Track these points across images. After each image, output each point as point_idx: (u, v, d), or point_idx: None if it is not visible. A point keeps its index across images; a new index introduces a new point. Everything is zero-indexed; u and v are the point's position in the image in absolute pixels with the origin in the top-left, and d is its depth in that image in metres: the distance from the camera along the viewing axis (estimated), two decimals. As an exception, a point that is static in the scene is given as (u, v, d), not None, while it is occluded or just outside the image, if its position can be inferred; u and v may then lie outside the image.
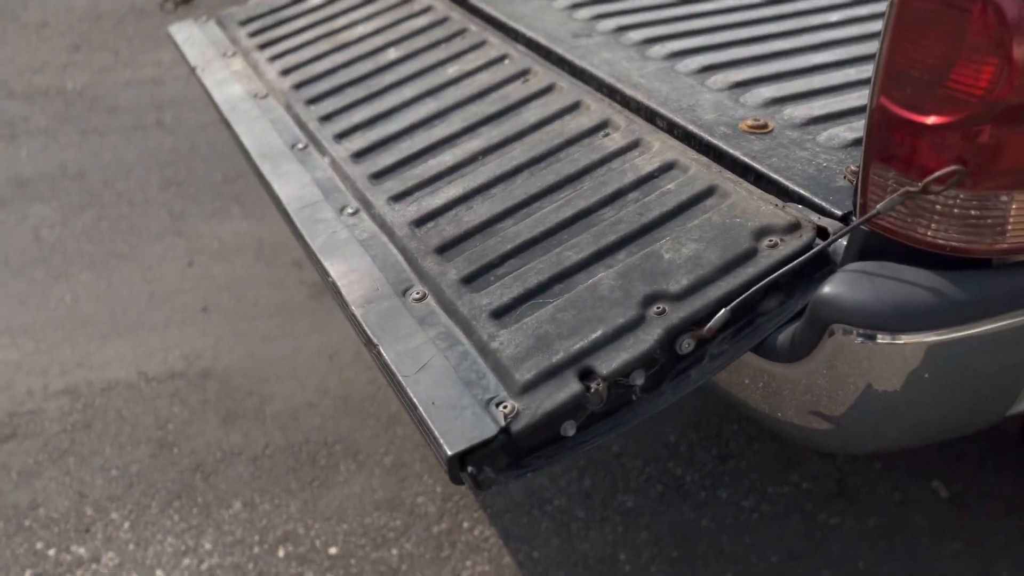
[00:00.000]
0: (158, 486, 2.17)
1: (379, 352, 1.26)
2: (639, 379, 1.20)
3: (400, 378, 1.21)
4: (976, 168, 1.06)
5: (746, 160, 1.45)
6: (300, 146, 1.81)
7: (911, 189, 1.08)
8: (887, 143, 1.12)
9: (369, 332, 1.29)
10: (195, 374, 2.51)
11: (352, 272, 1.43)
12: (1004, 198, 1.08)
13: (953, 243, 1.13)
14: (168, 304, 2.81)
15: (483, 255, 1.40)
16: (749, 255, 1.28)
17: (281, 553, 2.00)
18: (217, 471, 2.21)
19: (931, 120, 1.06)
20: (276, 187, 1.67)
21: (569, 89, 1.74)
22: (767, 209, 1.33)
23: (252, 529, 2.06)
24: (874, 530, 2.02)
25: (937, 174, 1.05)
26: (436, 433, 1.12)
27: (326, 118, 1.86)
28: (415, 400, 1.18)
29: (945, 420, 1.31)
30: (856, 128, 1.50)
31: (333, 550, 2.01)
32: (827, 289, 1.16)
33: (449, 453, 1.10)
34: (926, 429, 1.31)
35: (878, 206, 1.12)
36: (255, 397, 2.43)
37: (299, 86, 2.00)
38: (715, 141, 1.52)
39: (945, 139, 1.06)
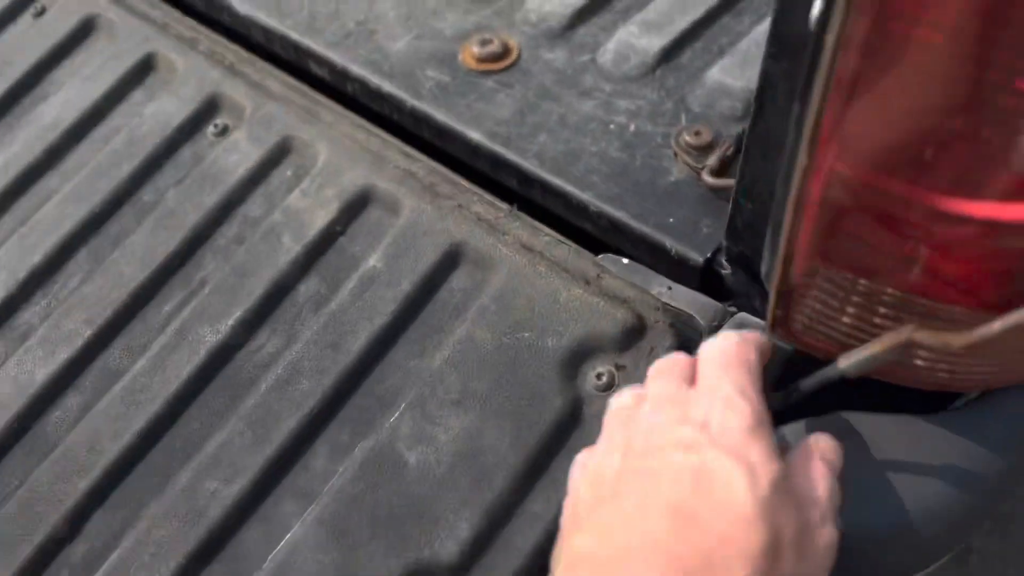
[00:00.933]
0: None
1: None
2: None
3: None
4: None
5: (498, 151, 0.77)
6: None
7: (933, 342, 0.47)
8: (849, 236, 0.48)
9: None
10: None
11: None
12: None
13: (980, 375, 0.54)
14: None
15: None
16: (567, 424, 0.64)
17: None
18: None
19: (977, 208, 0.43)
20: None
21: (129, 25, 0.91)
22: (572, 295, 0.68)
23: None
24: None
25: (1012, 319, 0.44)
26: None
27: None
28: None
29: None
30: (668, 29, 0.83)
31: None
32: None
33: None
34: None
35: (844, 365, 0.50)
36: None
37: None
38: (425, 108, 0.80)
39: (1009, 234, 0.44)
